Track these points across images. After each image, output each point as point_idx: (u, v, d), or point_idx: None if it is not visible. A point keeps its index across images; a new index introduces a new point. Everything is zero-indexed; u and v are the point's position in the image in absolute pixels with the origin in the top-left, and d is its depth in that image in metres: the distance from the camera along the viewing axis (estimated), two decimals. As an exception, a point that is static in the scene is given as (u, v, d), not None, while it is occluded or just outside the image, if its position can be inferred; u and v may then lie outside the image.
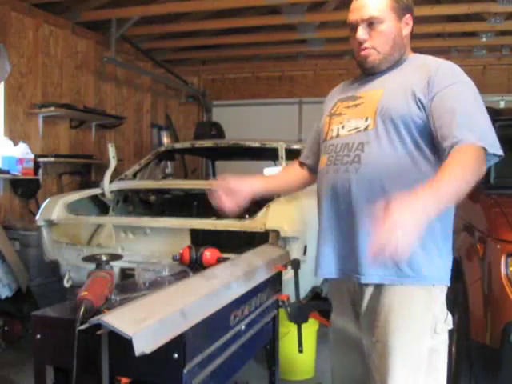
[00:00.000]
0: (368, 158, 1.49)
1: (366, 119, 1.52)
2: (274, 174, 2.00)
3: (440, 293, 1.52)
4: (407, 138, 1.47)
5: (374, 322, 1.52)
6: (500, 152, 1.40)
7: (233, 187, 1.62)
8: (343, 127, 1.58)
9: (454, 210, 1.54)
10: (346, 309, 1.64)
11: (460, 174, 1.26)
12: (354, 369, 1.66)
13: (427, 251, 1.45)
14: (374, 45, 1.53)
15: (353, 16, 1.55)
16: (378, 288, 1.51)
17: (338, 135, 1.59)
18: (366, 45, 1.54)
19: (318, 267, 1.63)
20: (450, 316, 1.54)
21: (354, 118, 1.56)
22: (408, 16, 1.56)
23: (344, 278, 1.57)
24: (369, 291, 1.53)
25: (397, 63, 1.58)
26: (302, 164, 1.87)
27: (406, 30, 1.57)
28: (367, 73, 1.61)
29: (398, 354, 1.46)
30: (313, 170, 1.81)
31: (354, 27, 1.55)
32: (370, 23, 1.52)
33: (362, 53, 1.55)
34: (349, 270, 1.54)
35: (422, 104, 1.45)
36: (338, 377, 1.76)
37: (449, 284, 1.55)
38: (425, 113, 1.45)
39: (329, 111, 1.68)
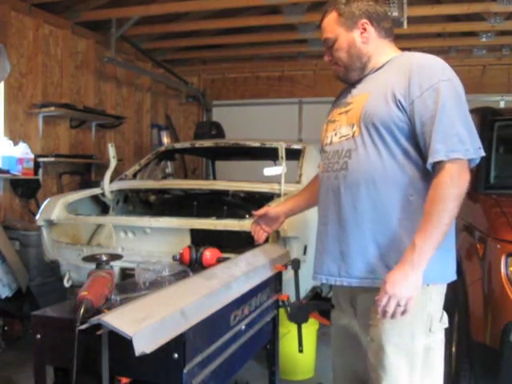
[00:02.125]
0: (354, 164, 1.55)
1: (353, 126, 1.58)
2: (304, 189, 2.03)
3: (435, 292, 1.53)
4: (391, 142, 1.50)
5: (369, 321, 1.55)
6: (480, 154, 1.45)
7: (271, 215, 1.94)
8: (336, 134, 1.64)
9: None
10: (347, 306, 1.68)
11: (438, 220, 1.38)
12: (356, 365, 1.68)
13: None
14: (336, 61, 1.66)
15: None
16: (372, 289, 1.52)
17: (331, 142, 1.66)
18: (332, 63, 1.68)
19: (314, 272, 1.70)
20: (445, 315, 1.55)
21: (344, 125, 1.62)
22: (363, 21, 1.59)
23: (337, 282, 1.60)
24: (363, 292, 1.57)
25: (372, 69, 1.62)
26: None
27: (367, 36, 1.60)
28: (348, 83, 1.70)
29: (392, 352, 1.49)
30: None
31: None
32: (328, 45, 1.65)
33: (333, 71, 1.70)
34: (341, 275, 1.58)
35: (402, 106, 1.48)
36: (340, 373, 1.78)
37: (447, 282, 1.57)
38: (406, 116, 1.47)
39: (327, 118, 1.75)
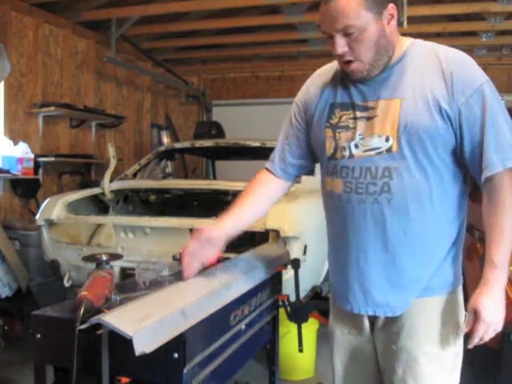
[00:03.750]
0: (399, 186, 1.35)
1: (387, 139, 1.35)
2: (240, 206, 1.63)
3: (459, 294, 1.49)
4: (435, 157, 1.34)
5: (398, 329, 1.44)
6: None
7: (206, 237, 1.56)
8: (356, 146, 1.39)
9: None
10: (360, 321, 1.52)
11: (508, 233, 1.32)
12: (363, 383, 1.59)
13: (451, 261, 1.44)
14: (356, 55, 1.34)
15: (325, 26, 1.36)
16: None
17: (351, 155, 1.40)
18: (347, 58, 1.35)
19: (346, 303, 1.49)
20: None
21: (369, 136, 1.37)
22: (390, 6, 1.32)
23: (388, 314, 1.44)
24: None
25: (395, 61, 1.38)
26: (273, 173, 1.64)
27: (393, 24, 1.35)
28: (358, 81, 1.42)
29: (424, 362, 1.41)
30: (291, 178, 1.66)
31: (329, 35, 1.36)
32: (347, 32, 1.31)
33: (346, 67, 1.38)
34: (390, 305, 1.43)
35: (448, 116, 1.32)
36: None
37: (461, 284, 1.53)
38: (450, 125, 1.32)
39: (326, 120, 1.47)
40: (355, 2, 1.28)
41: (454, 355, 1.45)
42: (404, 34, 1.48)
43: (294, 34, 5.86)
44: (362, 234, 1.41)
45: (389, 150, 1.35)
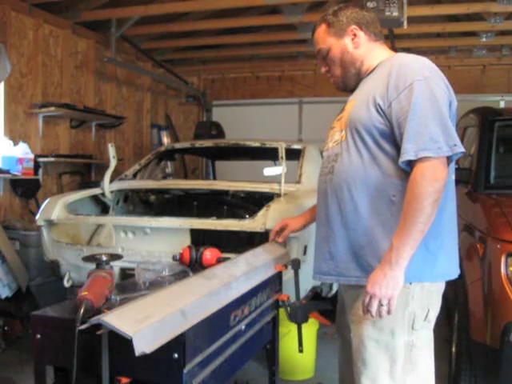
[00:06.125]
0: (339, 168, 1.62)
1: (341, 131, 1.65)
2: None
3: (420, 290, 1.54)
4: (372, 144, 1.54)
5: (352, 317, 1.61)
6: (455, 151, 1.44)
7: (285, 225, 2.06)
8: (331, 140, 1.72)
9: (445, 207, 1.53)
10: (341, 306, 1.77)
11: (413, 220, 1.39)
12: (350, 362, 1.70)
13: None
14: (331, 71, 1.75)
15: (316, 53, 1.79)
16: (357, 287, 1.58)
17: (327, 148, 1.74)
18: (328, 74, 1.77)
19: (313, 271, 1.77)
20: (432, 313, 1.57)
21: (337, 131, 1.69)
22: (352, 27, 1.67)
23: (328, 281, 1.70)
24: (349, 289, 1.64)
25: (365, 73, 1.68)
26: None
27: (358, 41, 1.68)
28: (348, 91, 1.77)
29: (372, 346, 1.53)
30: None
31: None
32: (322, 55, 1.74)
33: (333, 83, 1.78)
34: (331, 274, 1.65)
35: (382, 110, 1.52)
36: (341, 369, 1.86)
37: (433, 281, 1.57)
38: (386, 118, 1.51)
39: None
40: (321, 32, 1.72)
41: (408, 345, 1.52)
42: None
43: (293, 34, 5.85)
44: (319, 211, 1.72)
45: (340, 139, 1.64)
